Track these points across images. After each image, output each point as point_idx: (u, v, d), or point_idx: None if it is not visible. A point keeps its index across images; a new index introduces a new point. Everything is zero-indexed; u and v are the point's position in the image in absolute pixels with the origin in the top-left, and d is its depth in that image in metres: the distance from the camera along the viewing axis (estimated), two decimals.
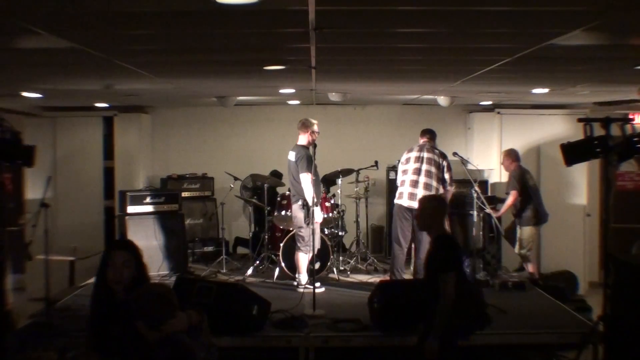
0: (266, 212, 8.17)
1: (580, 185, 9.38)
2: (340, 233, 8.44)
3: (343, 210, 8.57)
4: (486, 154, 8.82)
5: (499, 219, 7.70)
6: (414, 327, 4.87)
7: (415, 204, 6.93)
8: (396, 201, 7.14)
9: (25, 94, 7.39)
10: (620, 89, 7.17)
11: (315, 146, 6.78)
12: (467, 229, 7.56)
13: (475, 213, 7.27)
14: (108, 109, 9.69)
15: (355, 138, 10.27)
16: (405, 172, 7.12)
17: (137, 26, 3.83)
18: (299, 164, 6.91)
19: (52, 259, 6.40)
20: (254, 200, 8.65)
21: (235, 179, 8.73)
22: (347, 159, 8.87)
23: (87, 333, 3.61)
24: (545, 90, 7.42)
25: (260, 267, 8.08)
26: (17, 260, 7.71)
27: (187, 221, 9.02)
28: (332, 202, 8.03)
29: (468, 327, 4.48)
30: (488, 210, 7.54)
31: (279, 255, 7.57)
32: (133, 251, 3.54)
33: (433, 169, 7.00)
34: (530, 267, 7.99)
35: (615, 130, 4.78)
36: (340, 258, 8.26)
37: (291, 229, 7.40)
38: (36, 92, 7.39)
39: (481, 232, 7.68)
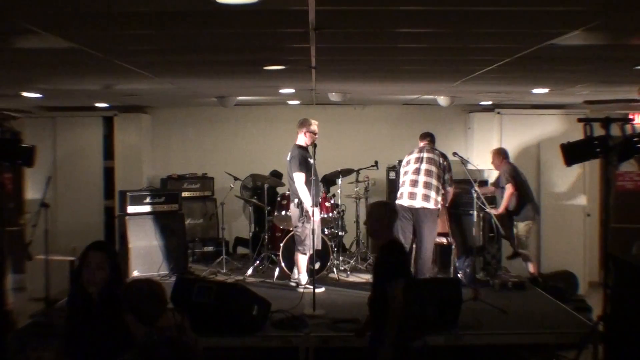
0: (266, 212, 8.17)
1: (580, 185, 9.38)
2: (340, 233, 8.43)
3: (343, 210, 8.57)
4: (486, 154, 8.76)
5: (499, 217, 7.70)
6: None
7: (415, 204, 6.96)
8: (397, 201, 7.15)
9: (25, 94, 7.39)
10: (620, 89, 7.17)
11: (315, 146, 6.78)
12: (466, 229, 7.56)
13: (475, 213, 7.27)
14: (108, 109, 9.69)
15: (355, 138, 10.27)
16: (405, 173, 7.17)
17: (137, 26, 3.82)
18: (291, 163, 6.96)
19: (52, 259, 6.40)
20: (254, 200, 8.65)
21: (235, 179, 8.72)
22: (347, 159, 8.86)
23: (61, 337, 3.57)
24: (545, 90, 7.42)
25: (260, 267, 8.08)
26: (17, 260, 7.72)
27: (187, 221, 9.01)
28: (332, 202, 8.04)
29: (421, 329, 4.44)
30: (488, 209, 7.54)
31: (278, 255, 7.57)
32: (109, 253, 3.52)
33: (433, 168, 7.02)
34: (530, 267, 7.99)
35: (615, 130, 4.79)
36: (340, 258, 8.26)
37: (291, 229, 7.40)
38: (36, 92, 7.38)
39: (481, 232, 7.69)
